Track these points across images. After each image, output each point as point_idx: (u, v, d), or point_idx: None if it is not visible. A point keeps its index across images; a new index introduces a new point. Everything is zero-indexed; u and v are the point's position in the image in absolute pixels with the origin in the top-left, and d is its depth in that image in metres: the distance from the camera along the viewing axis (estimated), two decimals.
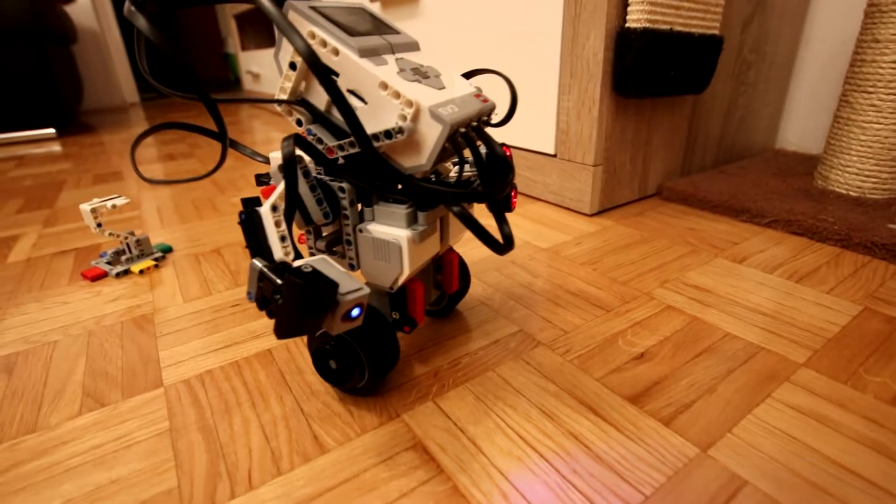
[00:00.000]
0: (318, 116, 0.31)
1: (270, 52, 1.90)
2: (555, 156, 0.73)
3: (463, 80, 0.34)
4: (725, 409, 0.34)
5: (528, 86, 0.73)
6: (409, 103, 0.28)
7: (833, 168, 0.71)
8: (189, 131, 0.32)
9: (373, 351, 0.33)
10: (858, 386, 0.36)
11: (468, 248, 0.61)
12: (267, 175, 0.38)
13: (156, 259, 0.61)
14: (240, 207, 0.82)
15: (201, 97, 0.26)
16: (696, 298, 0.48)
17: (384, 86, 0.28)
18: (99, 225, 0.56)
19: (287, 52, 0.30)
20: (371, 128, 0.29)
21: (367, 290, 0.25)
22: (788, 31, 0.89)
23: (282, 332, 0.25)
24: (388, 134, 0.28)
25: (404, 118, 0.28)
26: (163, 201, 0.87)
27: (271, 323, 0.46)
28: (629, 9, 0.60)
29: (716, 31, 0.68)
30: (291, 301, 0.24)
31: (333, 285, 0.24)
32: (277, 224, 0.27)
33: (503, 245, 0.30)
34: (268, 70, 1.97)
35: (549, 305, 0.48)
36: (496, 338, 0.43)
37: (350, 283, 0.25)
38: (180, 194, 0.91)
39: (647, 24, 0.59)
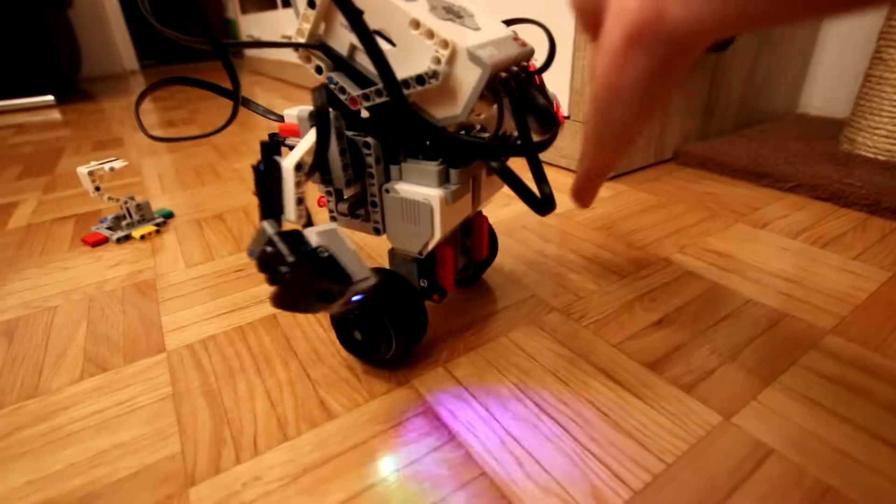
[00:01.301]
0: (339, 63, 0.28)
1: (271, 14, 1.84)
2: (568, 117, 0.70)
3: (498, 21, 0.30)
4: (749, 376, 0.32)
5: (540, 42, 0.70)
6: (445, 44, 0.24)
7: (861, 130, 0.68)
8: (197, 87, 0.29)
9: (400, 321, 0.31)
10: (889, 354, 0.34)
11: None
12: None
13: (157, 224, 0.59)
14: (243, 172, 0.80)
15: (211, 42, 0.23)
16: (715, 264, 0.46)
17: (416, 24, 0.25)
18: (97, 189, 0.54)
19: None
20: (401, 73, 0.26)
21: (373, 281, 0.24)
22: None
23: (280, 303, 0.23)
24: (419, 79, 0.25)
25: (438, 61, 0.25)
26: (163, 167, 0.85)
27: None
28: None
29: None
30: (300, 283, 0.22)
31: (346, 280, 0.23)
32: (298, 184, 0.25)
33: (545, 203, 0.27)
34: (269, 34, 1.91)
35: (562, 271, 0.46)
36: (508, 303, 0.41)
37: (358, 270, 0.23)
38: (181, 161, 0.89)
39: None
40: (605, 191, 0.65)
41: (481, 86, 0.25)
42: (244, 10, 2.24)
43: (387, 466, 0.27)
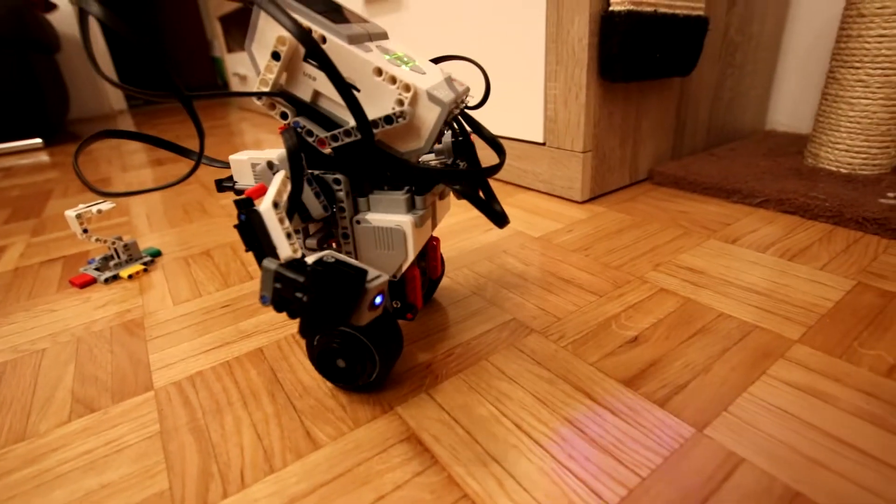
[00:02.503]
0: (302, 108, 0.30)
1: None
2: (543, 144, 0.72)
3: (434, 66, 0.33)
4: (721, 388, 0.34)
5: (514, 74, 0.73)
6: (407, 87, 0.27)
7: (823, 146, 0.71)
8: (138, 141, 0.31)
9: (381, 342, 0.33)
10: (853, 360, 0.35)
11: (458, 239, 0.61)
12: (229, 179, 0.37)
13: (145, 263, 0.60)
14: (230, 208, 0.81)
15: (177, 95, 0.25)
16: (689, 280, 0.48)
17: (378, 71, 0.28)
18: (85, 231, 0.55)
19: (266, 42, 0.29)
20: (368, 115, 0.29)
21: (387, 277, 0.25)
22: (774, 11, 0.89)
23: (309, 329, 0.24)
24: (388, 119, 0.28)
25: (402, 102, 0.28)
26: (151, 206, 0.86)
27: (261, 322, 0.46)
28: None
29: (701, 12, 0.68)
30: (321, 294, 0.23)
31: (363, 272, 0.24)
32: (281, 221, 0.26)
33: (501, 217, 0.30)
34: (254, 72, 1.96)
35: (541, 293, 0.47)
36: (489, 327, 0.42)
37: (370, 270, 0.25)
38: (169, 198, 0.90)
39: (632, 7, 0.59)
40: (583, 213, 0.67)
41: (441, 122, 0.28)
42: (230, 49, 2.29)
43: (370, 494, 0.27)
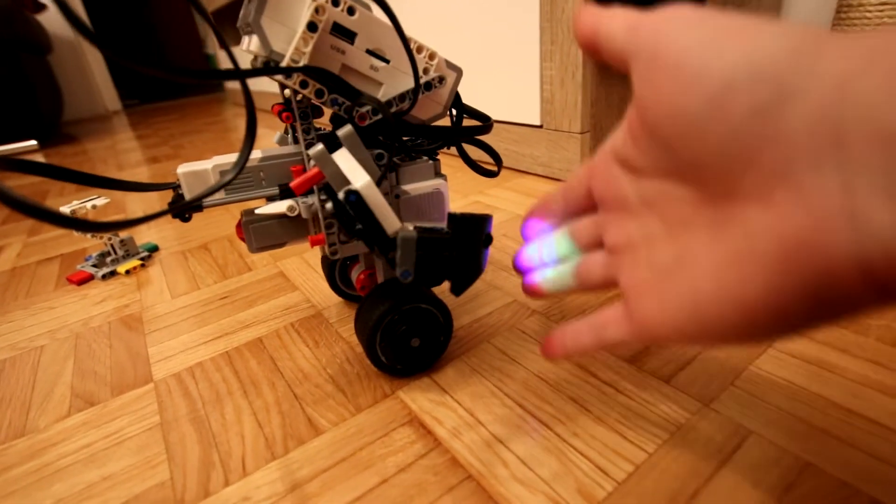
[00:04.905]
0: (329, 84, 0.28)
1: None
2: (541, 126, 0.71)
3: None
4: (726, 362, 0.33)
5: (508, 56, 0.72)
6: (432, 56, 0.29)
7: None
8: (36, 174, 0.24)
9: (435, 301, 0.33)
10: (860, 330, 0.35)
11: None
12: (182, 197, 0.35)
13: (142, 258, 0.59)
14: None
15: (234, 72, 0.23)
16: None
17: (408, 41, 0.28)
18: None
19: (283, 14, 0.26)
20: (396, 86, 0.29)
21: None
22: None
23: (466, 283, 0.26)
24: (428, 86, 0.29)
25: (426, 71, 0.29)
26: (149, 202, 0.86)
27: (260, 312, 0.45)
28: None
29: None
30: (470, 247, 0.25)
31: (488, 214, 0.26)
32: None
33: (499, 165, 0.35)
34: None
35: None
36: (490, 309, 0.42)
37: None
38: (166, 195, 0.90)
39: None
40: None
41: (456, 87, 0.30)
42: (222, 45, 2.27)
43: (373, 477, 0.27)
